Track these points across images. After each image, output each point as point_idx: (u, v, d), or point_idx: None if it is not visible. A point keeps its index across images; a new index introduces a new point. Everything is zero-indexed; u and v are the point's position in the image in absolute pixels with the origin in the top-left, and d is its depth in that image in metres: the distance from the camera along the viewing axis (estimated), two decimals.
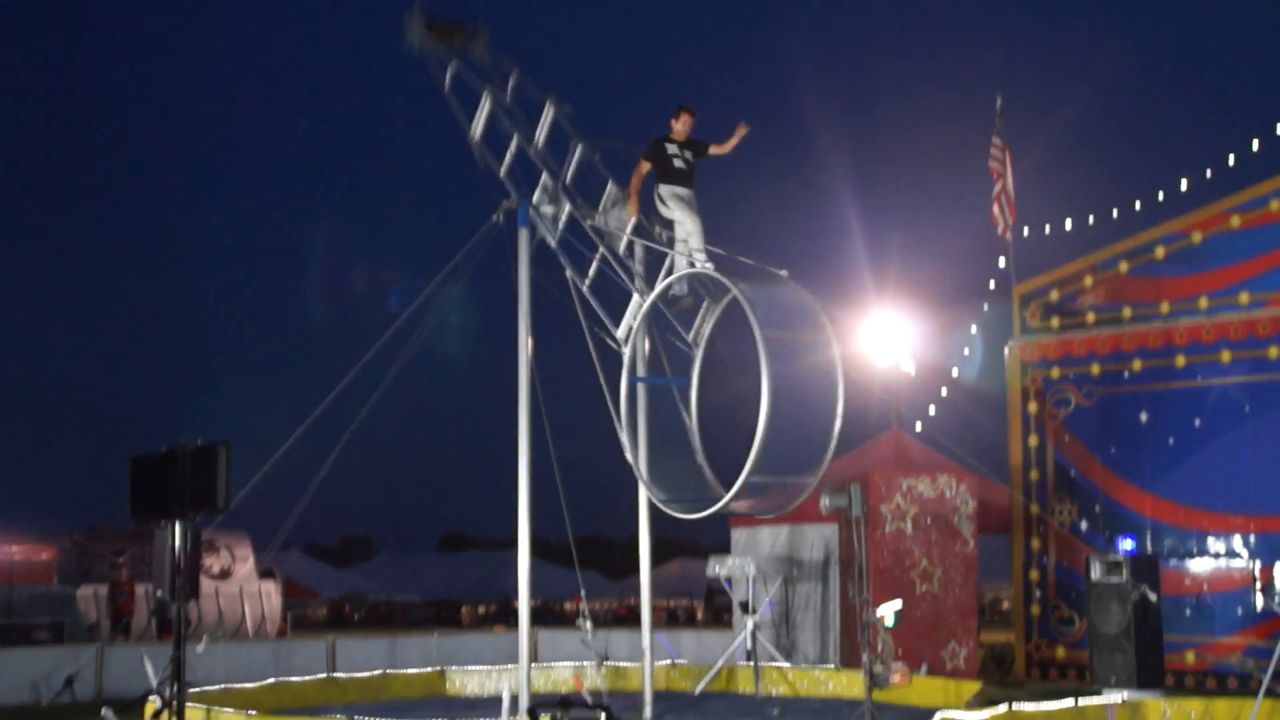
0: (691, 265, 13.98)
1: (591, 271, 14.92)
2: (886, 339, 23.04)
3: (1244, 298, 19.16)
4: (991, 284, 21.76)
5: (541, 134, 15.86)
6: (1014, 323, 21.18)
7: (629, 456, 14.13)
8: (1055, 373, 20.66)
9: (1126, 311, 20.13)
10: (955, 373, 22.53)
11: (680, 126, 14.66)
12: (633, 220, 14.91)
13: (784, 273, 13.59)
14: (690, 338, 14.70)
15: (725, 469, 14.05)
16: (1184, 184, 20.19)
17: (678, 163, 14.50)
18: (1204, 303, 19.43)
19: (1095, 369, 20.30)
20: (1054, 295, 20.88)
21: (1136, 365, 19.88)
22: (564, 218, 15.26)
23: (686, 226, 14.32)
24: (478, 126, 15.77)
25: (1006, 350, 21.18)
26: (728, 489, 12.89)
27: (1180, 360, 19.50)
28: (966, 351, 22.51)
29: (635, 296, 14.42)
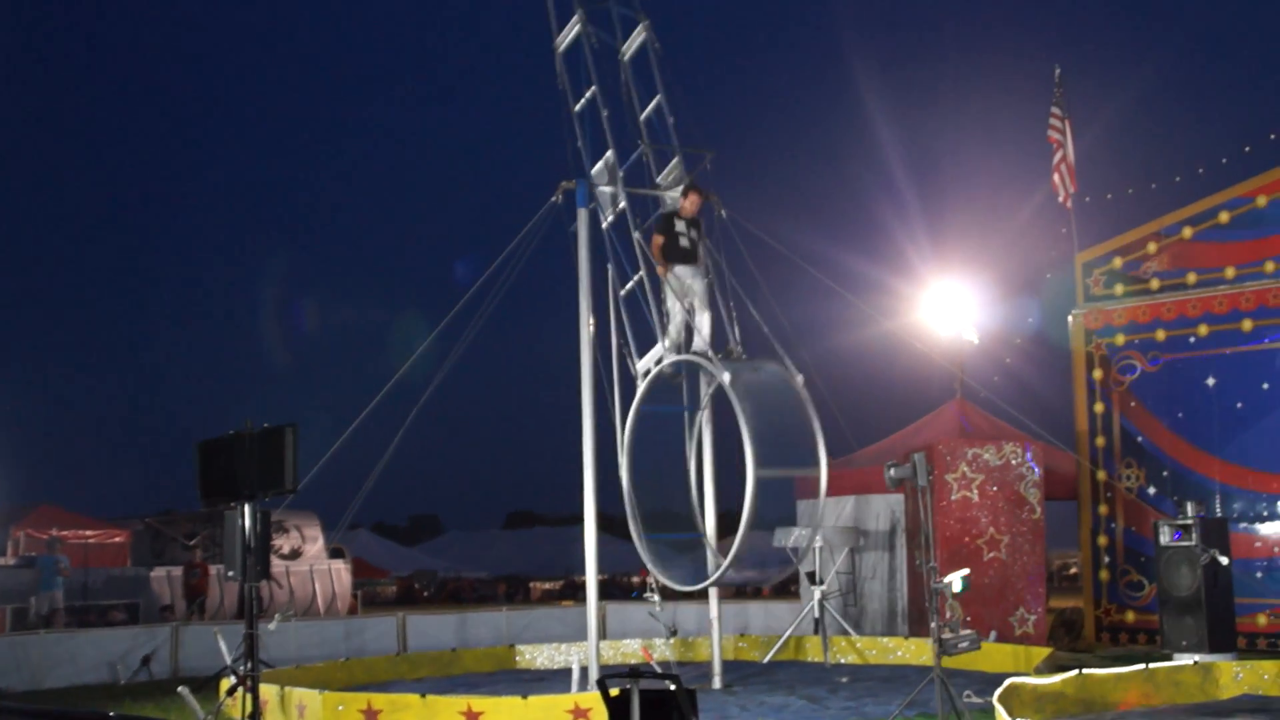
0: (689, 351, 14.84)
1: (627, 287, 15.40)
2: (949, 309, 23.07)
3: None
4: (1053, 252, 21.66)
5: (629, 50, 16.27)
6: (1077, 290, 21.06)
7: (624, 484, 15.03)
8: (1120, 339, 20.53)
9: (1191, 277, 20.00)
10: (1018, 341, 22.46)
11: (689, 205, 15.33)
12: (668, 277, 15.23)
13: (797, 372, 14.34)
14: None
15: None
16: (1247, 148, 20.01)
17: (683, 241, 15.17)
18: (1270, 266, 19.28)
19: (1160, 335, 20.16)
20: (1117, 262, 20.75)
21: (1202, 330, 19.75)
22: (621, 199, 15.61)
23: (678, 309, 14.93)
24: (563, 41, 16.18)
25: (1070, 318, 21.07)
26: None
27: (1247, 325, 19.36)
28: (1029, 320, 22.45)
29: (661, 343, 14.98)
